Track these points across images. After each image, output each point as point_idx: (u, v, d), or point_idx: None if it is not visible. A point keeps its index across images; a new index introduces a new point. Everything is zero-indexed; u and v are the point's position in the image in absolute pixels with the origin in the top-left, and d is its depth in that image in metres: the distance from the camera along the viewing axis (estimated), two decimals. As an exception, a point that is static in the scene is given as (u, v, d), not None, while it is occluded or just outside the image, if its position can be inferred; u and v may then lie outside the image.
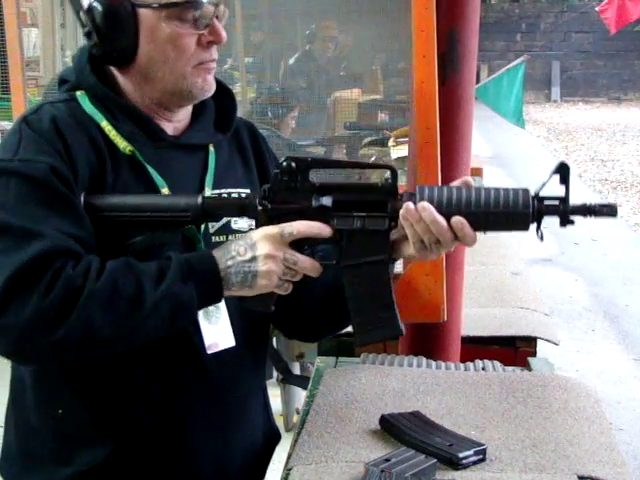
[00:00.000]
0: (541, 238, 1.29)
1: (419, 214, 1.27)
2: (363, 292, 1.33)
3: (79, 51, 1.39)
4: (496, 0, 19.26)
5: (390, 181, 1.31)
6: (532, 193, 1.29)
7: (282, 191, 1.32)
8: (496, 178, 8.93)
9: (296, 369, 3.70)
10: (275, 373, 3.74)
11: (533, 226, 1.30)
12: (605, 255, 6.98)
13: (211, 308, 1.35)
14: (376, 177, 2.12)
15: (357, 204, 1.32)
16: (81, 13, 1.32)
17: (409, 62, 1.95)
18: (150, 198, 1.33)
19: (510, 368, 1.84)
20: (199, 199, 1.32)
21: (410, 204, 1.28)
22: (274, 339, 3.69)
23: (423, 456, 1.35)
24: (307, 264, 1.29)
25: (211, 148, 1.43)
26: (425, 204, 1.27)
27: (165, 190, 1.34)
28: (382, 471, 1.28)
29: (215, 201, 1.35)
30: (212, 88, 1.37)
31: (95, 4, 1.28)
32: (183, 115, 1.40)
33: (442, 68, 1.95)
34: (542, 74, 18.43)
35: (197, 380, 1.36)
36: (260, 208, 1.32)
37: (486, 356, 1.90)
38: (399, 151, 2.80)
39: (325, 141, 3.19)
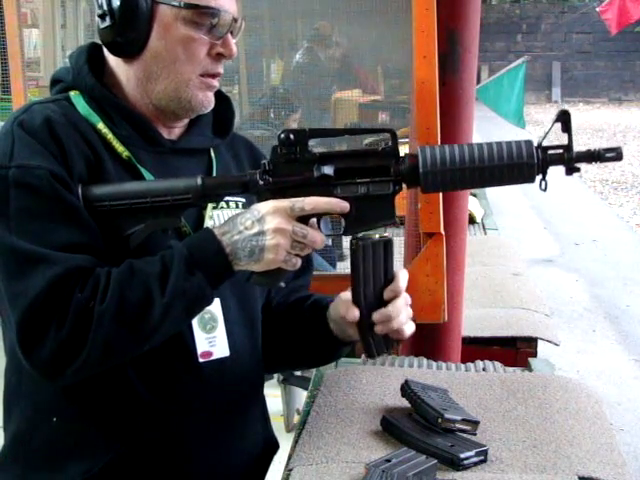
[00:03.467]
0: (544, 189, 1.27)
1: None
2: (369, 268, 1.32)
3: (77, 51, 1.37)
4: (497, 1, 19.26)
5: (390, 144, 1.30)
6: (535, 143, 1.27)
7: (282, 164, 1.29)
8: (497, 179, 8.91)
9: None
10: (276, 374, 3.74)
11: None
12: (606, 255, 6.98)
13: (206, 316, 1.34)
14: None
15: (359, 171, 1.30)
16: None
17: (410, 63, 1.95)
18: (148, 184, 1.31)
19: (511, 369, 1.84)
20: (198, 180, 1.30)
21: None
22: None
23: (424, 457, 1.34)
24: (317, 237, 1.26)
25: (212, 154, 1.43)
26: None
27: None
28: (383, 472, 1.28)
29: (215, 180, 1.34)
30: (211, 105, 1.36)
31: None
32: (181, 122, 1.40)
33: (443, 69, 1.95)
34: (543, 75, 18.43)
35: (193, 389, 1.35)
36: (261, 182, 1.30)
37: (487, 357, 1.90)
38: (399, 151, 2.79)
39: (326, 141, 3.19)
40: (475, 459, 1.37)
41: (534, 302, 2.63)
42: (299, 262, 1.28)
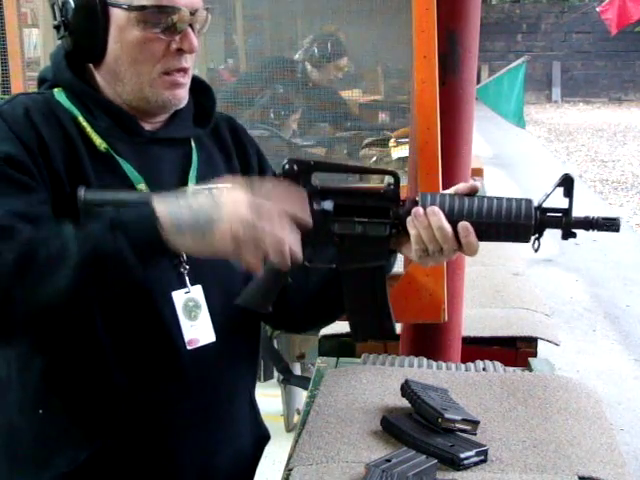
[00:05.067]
0: (536, 250, 1.28)
1: (428, 219, 1.27)
2: (361, 295, 1.34)
3: (56, 48, 1.39)
4: (497, 0, 19.26)
5: (392, 187, 1.31)
6: (535, 204, 1.28)
7: None
8: (497, 179, 8.93)
9: (297, 369, 3.70)
10: (276, 373, 3.75)
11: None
12: (606, 255, 6.98)
13: (190, 304, 1.35)
14: (376, 178, 2.12)
15: (359, 209, 1.32)
16: (55, 6, 1.32)
17: (410, 63, 1.95)
18: (146, 194, 1.30)
19: (511, 368, 1.84)
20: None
21: (420, 208, 1.27)
22: (274, 340, 3.69)
23: (424, 456, 1.34)
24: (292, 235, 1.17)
25: (193, 143, 1.43)
26: (435, 209, 1.27)
27: (142, 186, 1.33)
28: (383, 471, 1.28)
29: None
30: (182, 102, 1.36)
31: None
32: (159, 117, 1.40)
33: (443, 68, 1.95)
34: (543, 74, 18.43)
35: (177, 377, 1.35)
36: None
37: (487, 356, 1.90)
38: (400, 151, 2.79)
39: (326, 141, 3.19)
40: (475, 459, 1.37)
41: (534, 302, 2.63)
42: (254, 265, 1.17)
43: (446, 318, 1.98)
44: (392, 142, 2.85)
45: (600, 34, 17.02)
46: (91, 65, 1.35)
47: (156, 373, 1.33)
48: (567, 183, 1.26)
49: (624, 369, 4.73)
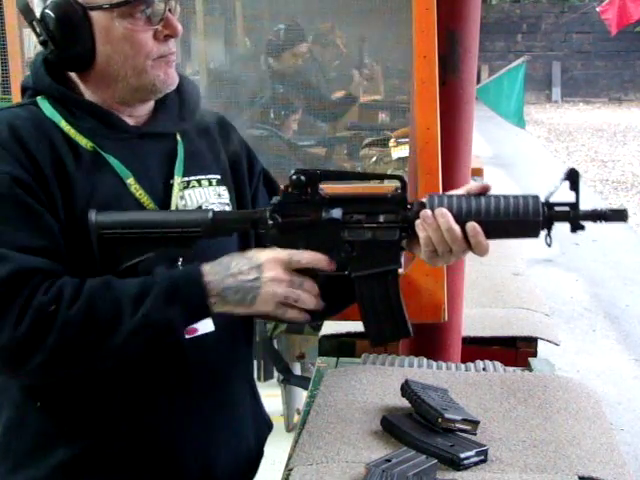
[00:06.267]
0: (549, 245, 1.29)
1: (436, 221, 1.27)
2: (374, 299, 1.34)
3: (35, 56, 1.40)
4: (497, 0, 19.26)
5: (400, 191, 1.32)
6: (542, 200, 1.29)
7: (292, 204, 1.33)
8: (497, 179, 8.93)
9: (297, 369, 3.70)
10: (276, 373, 3.75)
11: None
12: (605, 255, 6.99)
13: None
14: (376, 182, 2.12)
15: (367, 215, 1.33)
16: (34, 23, 1.32)
17: (410, 63, 1.95)
18: (160, 214, 1.34)
19: (511, 368, 1.84)
20: (209, 214, 1.33)
21: (428, 211, 1.28)
22: (274, 340, 3.70)
23: (424, 457, 1.35)
24: (313, 289, 1.31)
25: (178, 137, 1.44)
26: (444, 210, 1.28)
27: (131, 180, 1.34)
28: (383, 471, 1.28)
29: (225, 215, 1.37)
30: (175, 81, 1.38)
31: (47, 12, 1.29)
32: (144, 110, 1.41)
33: (443, 68, 1.95)
34: (543, 75, 18.43)
35: (176, 365, 1.36)
36: (271, 222, 1.33)
37: (487, 356, 1.90)
38: (400, 151, 2.79)
39: (326, 141, 3.19)
40: (475, 459, 1.37)
41: (534, 302, 2.63)
42: (288, 313, 1.30)
43: (446, 318, 1.98)
44: (392, 142, 2.85)
45: (600, 34, 17.00)
46: (73, 74, 1.36)
47: (155, 361, 1.34)
48: (573, 177, 1.27)
49: (624, 369, 4.73)
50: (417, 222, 1.30)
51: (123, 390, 1.33)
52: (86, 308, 1.20)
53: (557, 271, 6.53)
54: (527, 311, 2.53)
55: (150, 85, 1.35)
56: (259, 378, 3.95)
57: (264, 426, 1.59)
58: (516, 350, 2.31)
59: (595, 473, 1.36)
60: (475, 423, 1.43)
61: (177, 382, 1.37)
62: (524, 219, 1.28)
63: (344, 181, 1.53)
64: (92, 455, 1.33)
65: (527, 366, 1.95)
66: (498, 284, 2.78)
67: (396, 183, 1.34)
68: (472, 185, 1.34)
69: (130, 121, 1.39)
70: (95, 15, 1.29)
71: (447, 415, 1.41)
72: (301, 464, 1.38)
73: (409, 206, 1.33)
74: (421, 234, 1.30)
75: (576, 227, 1.29)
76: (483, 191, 1.31)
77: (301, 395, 3.61)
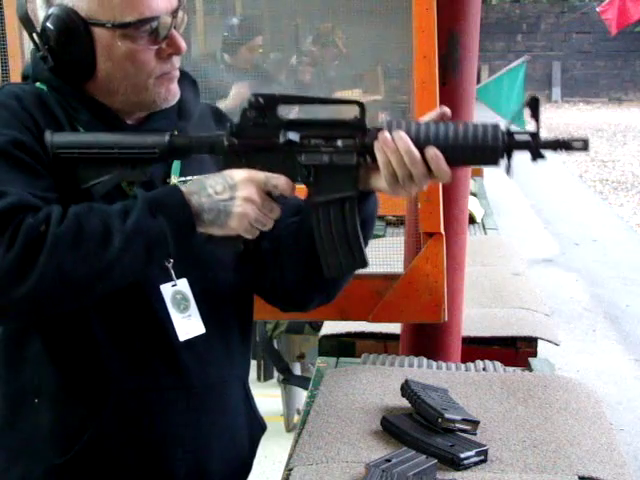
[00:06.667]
0: (507, 172, 1.28)
1: (395, 144, 1.26)
2: (330, 228, 1.32)
3: (34, 45, 1.38)
4: (497, 0, 19.27)
5: (358, 117, 1.30)
6: (503, 128, 1.28)
7: (250, 127, 1.30)
8: (496, 178, 8.93)
9: (297, 369, 3.71)
10: (276, 373, 3.75)
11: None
12: (605, 255, 6.99)
13: (178, 297, 1.35)
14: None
15: (325, 139, 1.30)
16: (34, 35, 1.31)
17: (410, 63, 1.95)
18: (117, 136, 1.32)
19: (511, 368, 1.85)
20: (166, 137, 1.31)
21: (386, 132, 1.26)
22: (274, 340, 3.70)
23: (424, 457, 1.35)
24: (279, 211, 1.29)
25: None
26: (402, 133, 1.26)
27: None
28: (383, 471, 1.28)
29: (182, 139, 1.34)
30: (176, 96, 1.37)
31: (48, 25, 1.28)
32: (142, 112, 1.40)
33: (443, 68, 1.95)
34: (543, 74, 18.44)
35: (169, 366, 1.36)
36: (227, 144, 1.31)
37: (487, 356, 1.90)
38: (400, 151, 2.79)
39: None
40: (475, 459, 1.37)
41: (534, 302, 2.63)
42: (257, 234, 1.29)
43: (446, 318, 1.98)
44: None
45: (600, 34, 17.02)
46: None
47: (148, 363, 1.34)
48: (533, 104, 1.25)
49: (624, 369, 4.73)
50: (376, 144, 1.27)
51: (115, 392, 1.33)
52: (75, 225, 1.18)
53: (557, 271, 6.53)
54: (527, 311, 2.53)
55: (150, 102, 1.34)
56: (259, 378, 3.95)
57: (258, 428, 1.58)
58: (516, 350, 2.31)
59: (595, 473, 1.36)
60: (475, 423, 1.43)
61: (169, 382, 1.36)
62: (483, 145, 1.26)
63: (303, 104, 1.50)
64: (83, 456, 1.33)
65: (527, 366, 1.96)
66: (498, 284, 2.78)
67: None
68: (431, 113, 1.32)
69: (128, 119, 1.38)
70: (97, 32, 1.28)
71: (447, 415, 1.41)
72: (301, 464, 1.38)
73: (368, 131, 1.30)
74: (380, 157, 1.27)
75: (536, 156, 1.27)
76: (443, 118, 1.30)
77: (301, 395, 3.61)
